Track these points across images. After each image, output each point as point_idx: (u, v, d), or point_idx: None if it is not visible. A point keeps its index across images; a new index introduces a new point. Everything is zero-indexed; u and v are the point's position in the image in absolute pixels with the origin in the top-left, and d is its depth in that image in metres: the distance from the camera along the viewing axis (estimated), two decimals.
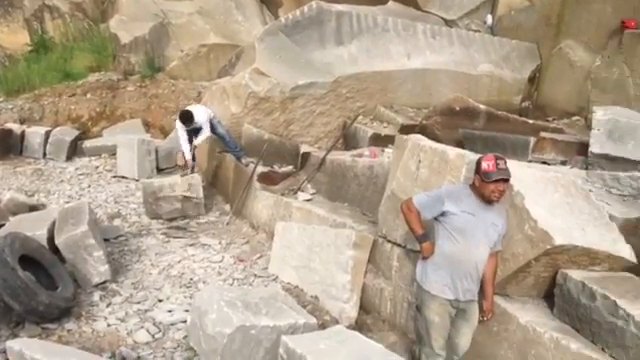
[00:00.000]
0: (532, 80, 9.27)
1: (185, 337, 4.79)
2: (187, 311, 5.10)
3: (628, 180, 4.96)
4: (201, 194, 8.03)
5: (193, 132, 8.37)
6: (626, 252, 4.03)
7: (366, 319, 5.20)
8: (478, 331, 4.05)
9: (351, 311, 5.21)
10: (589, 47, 8.35)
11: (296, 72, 8.79)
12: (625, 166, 5.56)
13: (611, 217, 4.30)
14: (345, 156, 7.70)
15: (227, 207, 8.25)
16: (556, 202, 4.13)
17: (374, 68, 9.10)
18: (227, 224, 7.68)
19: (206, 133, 8.31)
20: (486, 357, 4.11)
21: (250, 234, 7.29)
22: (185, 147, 8.44)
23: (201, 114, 8.28)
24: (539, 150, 6.44)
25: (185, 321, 4.93)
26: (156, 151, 9.91)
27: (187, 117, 8.19)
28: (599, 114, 5.90)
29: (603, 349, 3.57)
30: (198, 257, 6.50)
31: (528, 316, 3.95)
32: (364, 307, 5.30)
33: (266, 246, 6.69)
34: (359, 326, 5.08)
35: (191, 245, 6.90)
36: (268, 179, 7.98)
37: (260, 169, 7.95)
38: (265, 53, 8.91)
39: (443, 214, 3.87)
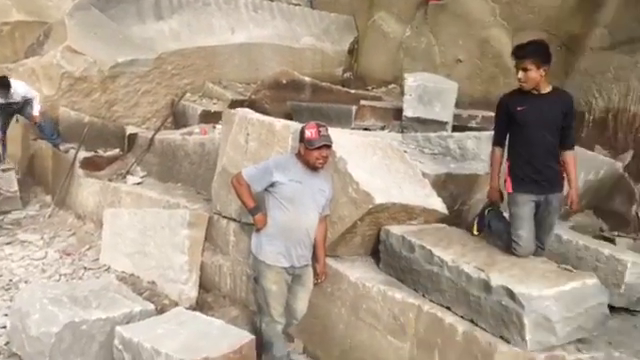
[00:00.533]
0: (351, 52, 9.71)
1: (7, 343, 4.37)
2: (7, 315, 4.65)
3: (437, 140, 5.44)
4: (15, 187, 7.31)
5: (6, 111, 7.48)
6: (438, 205, 4.43)
7: (207, 297, 5.16)
8: (314, 293, 4.21)
9: (191, 291, 5.13)
10: (400, 18, 8.92)
11: (114, 49, 8.29)
12: (435, 127, 6.09)
13: (424, 174, 4.69)
14: (175, 135, 7.49)
15: (48, 198, 7.62)
16: (375, 164, 4.40)
17: (198, 43, 8.90)
18: (49, 217, 7.10)
19: (37, 108, 7.46)
20: (322, 317, 4.30)
21: (76, 225, 6.82)
22: None
23: (20, 87, 7.44)
24: (360, 117, 6.80)
25: (5, 326, 4.49)
26: None
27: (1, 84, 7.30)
28: (409, 81, 6.36)
29: (424, 295, 3.91)
30: (17, 256, 5.95)
31: (357, 273, 4.19)
32: (204, 286, 5.24)
33: (95, 236, 6.32)
34: (200, 306, 5.03)
35: (8, 243, 6.28)
36: (92, 165, 7.51)
37: (83, 155, 7.44)
38: (77, 30, 8.27)
39: (272, 185, 3.92)
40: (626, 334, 3.71)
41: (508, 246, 3.83)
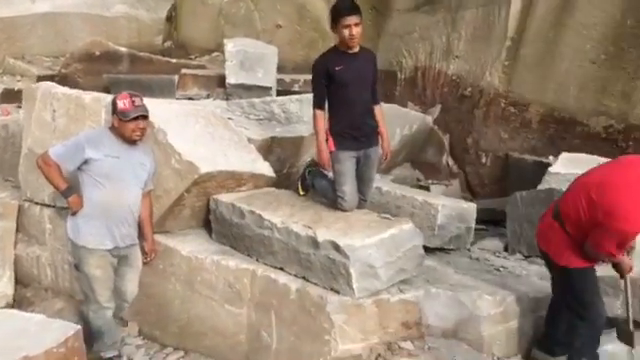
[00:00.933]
0: (170, 19, 9.30)
1: None
2: None
3: (262, 105, 5.44)
4: None
5: None
6: (266, 169, 4.45)
7: (25, 293, 4.71)
8: (144, 273, 4.03)
9: (5, 288, 4.64)
10: None
11: None
12: (259, 93, 6.09)
13: (250, 140, 4.67)
14: None
15: None
16: (198, 133, 4.27)
17: None
18: None
19: None
20: (156, 295, 4.14)
21: None
22: None
23: None
24: (183, 87, 6.58)
25: None
26: None
27: None
28: (229, 47, 6.26)
29: (258, 260, 3.92)
30: None
31: (190, 247, 4.08)
32: (21, 281, 4.77)
33: None
34: (18, 302, 4.59)
35: None
36: None
37: None
38: None
39: (86, 162, 3.63)
40: (441, 271, 4.07)
41: (333, 202, 3.96)
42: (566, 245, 3.22)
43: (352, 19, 3.75)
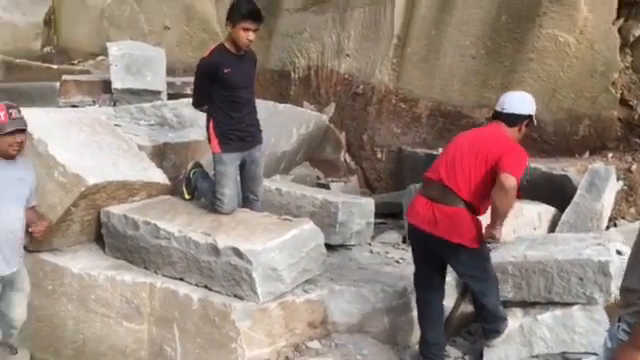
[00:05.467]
0: (48, 23, 8.73)
1: None
2: None
3: (152, 110, 5.25)
4: None
5: None
6: (159, 177, 4.29)
7: None
8: (34, 295, 3.74)
9: None
10: None
11: None
12: (149, 97, 5.86)
13: (141, 147, 4.49)
14: None
15: None
16: (83, 142, 4.05)
17: None
18: None
19: None
20: (47, 318, 3.88)
21: None
22: None
23: None
24: (65, 94, 6.19)
25: None
26: None
27: None
28: (114, 50, 5.98)
29: (156, 272, 3.77)
30: None
31: (80, 264, 3.86)
32: None
33: None
34: None
35: None
36: None
37: None
38: None
39: None
40: (345, 268, 4.12)
41: (212, 204, 3.90)
42: (473, 224, 3.29)
43: (253, 25, 3.71)
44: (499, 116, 3.44)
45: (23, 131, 3.45)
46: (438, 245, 3.31)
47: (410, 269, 3.70)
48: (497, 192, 3.16)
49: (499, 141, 3.31)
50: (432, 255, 3.43)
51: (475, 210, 3.32)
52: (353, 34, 6.42)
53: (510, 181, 3.11)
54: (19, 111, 3.47)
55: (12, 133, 3.37)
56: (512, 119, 3.39)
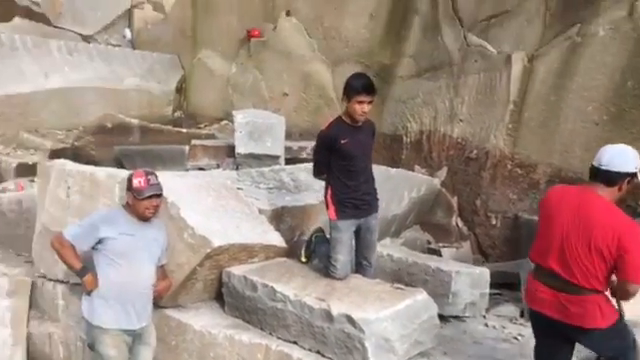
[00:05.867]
0: (179, 90, 9.58)
1: None
2: None
3: (271, 174, 5.52)
4: None
5: None
6: (276, 240, 4.48)
7: None
8: (158, 349, 3.99)
9: None
10: (224, 55, 9.00)
11: None
12: (268, 161, 6.19)
13: (261, 210, 4.71)
14: None
15: None
16: (210, 206, 4.33)
17: (7, 91, 8.17)
18: None
19: None
20: None
21: None
22: None
23: None
24: (193, 157, 6.70)
25: None
26: None
27: None
28: (239, 118, 6.42)
29: (271, 333, 3.89)
30: None
31: (202, 321, 4.06)
32: (34, 359, 4.74)
33: None
34: None
35: None
36: None
37: None
38: None
39: (100, 241, 3.67)
40: (459, 341, 4.02)
41: (326, 268, 3.99)
42: (605, 305, 3.05)
43: (367, 97, 3.87)
44: (597, 173, 3.06)
45: (159, 196, 3.79)
46: (569, 330, 3.10)
47: (530, 347, 3.53)
48: (622, 295, 2.99)
49: (612, 227, 2.93)
50: (560, 337, 3.20)
51: (603, 289, 3.11)
52: (467, 99, 6.44)
53: (636, 289, 2.91)
54: (156, 177, 3.81)
55: (149, 197, 3.71)
56: (611, 177, 3.00)
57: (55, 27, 9.60)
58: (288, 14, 8.02)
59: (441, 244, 6.19)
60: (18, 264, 5.33)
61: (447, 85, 6.59)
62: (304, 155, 6.65)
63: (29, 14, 9.49)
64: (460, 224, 6.44)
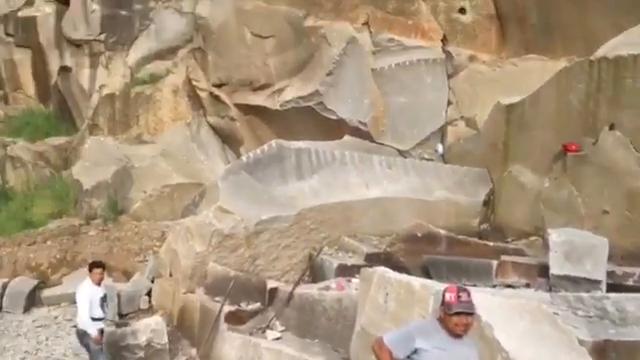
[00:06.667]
0: (487, 203, 9.62)
1: None
2: None
3: (591, 301, 5.05)
4: (165, 339, 7.72)
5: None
6: None
7: None
8: None
9: None
10: (536, 170, 8.79)
11: (259, 208, 8.93)
12: (586, 286, 5.68)
13: (580, 341, 4.32)
14: (312, 289, 7.65)
15: (193, 352, 7.93)
16: (524, 330, 4.15)
17: (335, 199, 9.33)
18: None
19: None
20: None
21: None
22: (86, 316, 7.25)
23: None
24: (502, 274, 6.56)
25: None
26: (118, 296, 9.64)
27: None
28: (554, 237, 6.12)
29: None
30: None
31: None
32: None
33: None
34: None
35: None
36: (235, 318, 7.79)
37: (227, 309, 7.78)
38: (228, 191, 9.08)
39: (415, 351, 3.80)
40: None
41: None
42: None
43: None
44: None
45: (470, 314, 3.77)
46: None
47: None
48: None
49: None
50: None
51: None
52: None
53: None
54: (468, 294, 3.82)
55: (458, 314, 3.72)
56: None
57: (377, 143, 10.77)
58: (612, 128, 7.53)
59: None
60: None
61: None
62: (630, 282, 5.93)
63: (356, 132, 10.88)
64: None
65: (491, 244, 8.21)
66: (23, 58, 16.95)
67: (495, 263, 6.79)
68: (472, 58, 10.57)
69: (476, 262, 7.26)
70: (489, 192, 9.68)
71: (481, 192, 9.73)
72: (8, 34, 17.03)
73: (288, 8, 11.15)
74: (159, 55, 13.89)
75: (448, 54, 10.60)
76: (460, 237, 8.36)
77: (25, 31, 16.56)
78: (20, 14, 16.62)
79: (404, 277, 4.95)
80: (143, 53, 14.03)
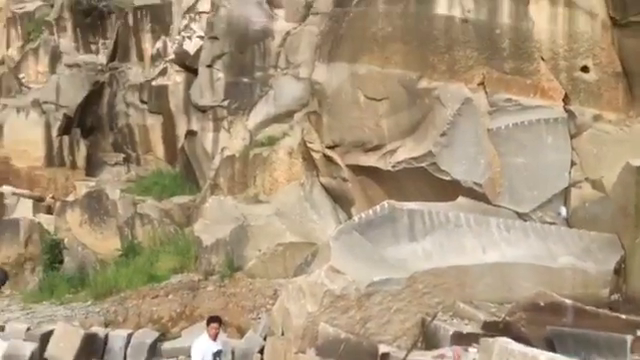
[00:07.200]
0: (618, 272, 8.91)
1: None
2: None
3: None
4: None
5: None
6: None
7: None
8: None
9: None
10: None
11: (371, 269, 8.85)
12: None
13: None
14: (426, 357, 7.38)
15: None
16: None
17: (449, 263, 9.05)
18: None
19: None
20: None
21: None
22: None
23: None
24: (638, 351, 5.96)
25: None
26: (232, 352, 9.82)
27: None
28: None
29: None
30: None
31: None
32: None
33: None
34: None
35: None
36: None
37: None
38: (340, 251, 9.11)
39: None
40: None
41: None
42: None
43: None
44: None
45: None
46: None
47: None
48: None
49: None
50: None
51: None
52: None
53: None
54: None
55: None
56: None
57: (494, 205, 10.40)
58: None
59: None
60: None
61: None
62: None
63: (471, 193, 10.58)
64: None
65: (624, 317, 7.55)
66: (155, 123, 18.66)
67: (630, 338, 6.21)
68: (597, 117, 10.10)
69: (607, 336, 6.70)
70: (620, 260, 9.00)
71: (611, 259, 9.04)
72: (142, 101, 18.82)
73: (402, 71, 11.27)
74: (277, 119, 14.55)
75: (570, 113, 10.18)
76: (588, 308, 7.76)
77: (158, 98, 18.26)
78: (154, 83, 18.35)
79: (529, 350, 4.64)
80: (262, 117, 14.76)
